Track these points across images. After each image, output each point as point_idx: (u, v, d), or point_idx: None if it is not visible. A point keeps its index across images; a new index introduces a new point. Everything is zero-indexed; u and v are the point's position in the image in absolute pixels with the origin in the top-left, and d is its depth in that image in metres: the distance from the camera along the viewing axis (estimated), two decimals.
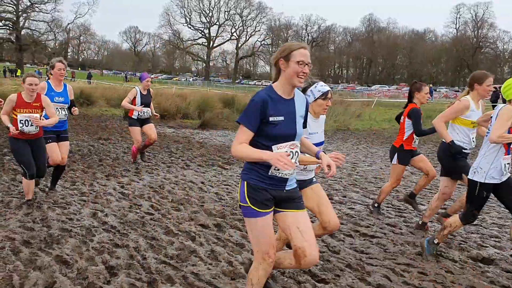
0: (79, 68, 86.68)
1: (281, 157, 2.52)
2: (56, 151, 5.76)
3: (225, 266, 3.94)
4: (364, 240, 4.83)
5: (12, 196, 5.73)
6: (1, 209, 5.18)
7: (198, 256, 4.13)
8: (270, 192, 2.79)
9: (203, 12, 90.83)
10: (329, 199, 6.44)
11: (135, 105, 7.91)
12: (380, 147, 12.46)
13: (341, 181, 7.73)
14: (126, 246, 4.28)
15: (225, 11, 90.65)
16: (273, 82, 2.82)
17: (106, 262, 3.87)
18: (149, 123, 8.11)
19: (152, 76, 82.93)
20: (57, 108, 5.69)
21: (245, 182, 2.80)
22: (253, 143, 2.74)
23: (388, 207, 6.20)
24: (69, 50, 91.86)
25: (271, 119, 2.68)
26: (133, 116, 7.95)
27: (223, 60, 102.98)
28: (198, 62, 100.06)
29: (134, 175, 7.40)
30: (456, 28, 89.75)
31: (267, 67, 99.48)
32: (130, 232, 4.66)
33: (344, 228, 5.16)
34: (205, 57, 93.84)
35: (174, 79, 76.81)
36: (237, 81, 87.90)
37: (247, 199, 2.77)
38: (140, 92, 7.91)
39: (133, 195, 6.12)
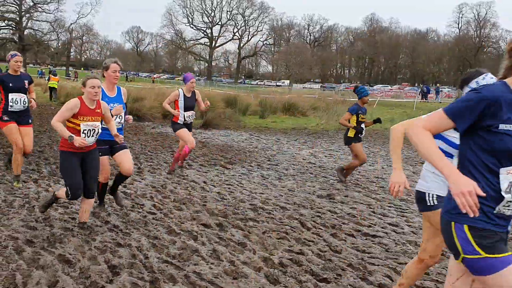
0: (82, 68, 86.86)
1: (469, 193, 1.81)
2: (106, 167, 5.06)
3: (227, 265, 3.95)
4: (366, 239, 4.84)
5: (15, 195, 5.75)
6: (4, 208, 5.20)
7: (200, 255, 4.15)
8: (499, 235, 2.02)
9: (205, 12, 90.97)
10: (331, 198, 6.49)
11: (177, 109, 7.20)
12: (382, 146, 12.45)
13: None
14: (129, 245, 4.30)
15: (227, 11, 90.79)
16: (502, 78, 2.09)
17: (108, 261, 3.89)
18: (190, 130, 7.39)
19: (155, 75, 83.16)
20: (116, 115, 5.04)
21: (465, 226, 1.98)
22: (472, 160, 2.01)
23: (390, 206, 6.21)
24: (71, 50, 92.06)
25: (502, 126, 1.92)
26: (178, 121, 7.21)
27: (225, 60, 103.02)
28: (201, 62, 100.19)
29: (137, 174, 7.42)
30: (458, 27, 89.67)
31: (269, 67, 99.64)
32: (132, 232, 4.68)
33: (345, 228, 5.17)
34: (207, 57, 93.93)
35: (177, 79, 76.81)
36: (239, 81, 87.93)
37: (477, 248, 1.96)
38: (184, 94, 7.17)
39: (135, 195, 6.14)
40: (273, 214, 5.57)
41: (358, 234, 4.99)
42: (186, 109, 7.22)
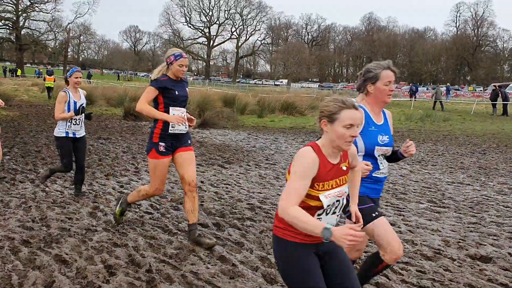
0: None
1: None
2: (363, 239, 3.01)
3: (224, 265, 3.94)
4: None
5: (11, 196, 5.74)
6: (0, 208, 5.18)
7: (197, 255, 4.14)
8: None
9: (203, 11, 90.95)
10: None
11: None
12: None
13: None
14: (125, 245, 4.29)
15: (225, 10, 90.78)
16: None
17: (105, 261, 3.88)
18: None
19: None
20: (380, 156, 3.08)
21: None
22: None
23: (387, 205, 6.21)
24: (69, 50, 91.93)
25: None
26: None
27: (223, 59, 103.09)
28: (198, 61, 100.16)
29: (134, 174, 7.41)
30: (456, 26, 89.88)
31: (267, 66, 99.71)
32: (129, 232, 4.67)
33: None
34: (205, 56, 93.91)
35: None
36: (237, 80, 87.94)
37: None
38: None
39: None
40: (270, 214, 5.57)
41: None
42: None
